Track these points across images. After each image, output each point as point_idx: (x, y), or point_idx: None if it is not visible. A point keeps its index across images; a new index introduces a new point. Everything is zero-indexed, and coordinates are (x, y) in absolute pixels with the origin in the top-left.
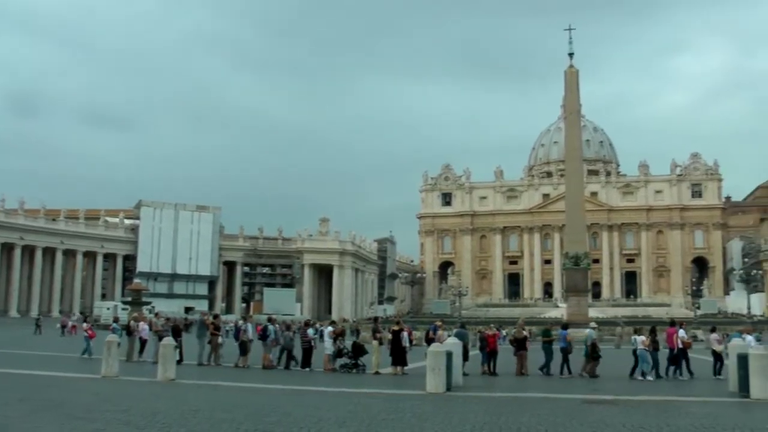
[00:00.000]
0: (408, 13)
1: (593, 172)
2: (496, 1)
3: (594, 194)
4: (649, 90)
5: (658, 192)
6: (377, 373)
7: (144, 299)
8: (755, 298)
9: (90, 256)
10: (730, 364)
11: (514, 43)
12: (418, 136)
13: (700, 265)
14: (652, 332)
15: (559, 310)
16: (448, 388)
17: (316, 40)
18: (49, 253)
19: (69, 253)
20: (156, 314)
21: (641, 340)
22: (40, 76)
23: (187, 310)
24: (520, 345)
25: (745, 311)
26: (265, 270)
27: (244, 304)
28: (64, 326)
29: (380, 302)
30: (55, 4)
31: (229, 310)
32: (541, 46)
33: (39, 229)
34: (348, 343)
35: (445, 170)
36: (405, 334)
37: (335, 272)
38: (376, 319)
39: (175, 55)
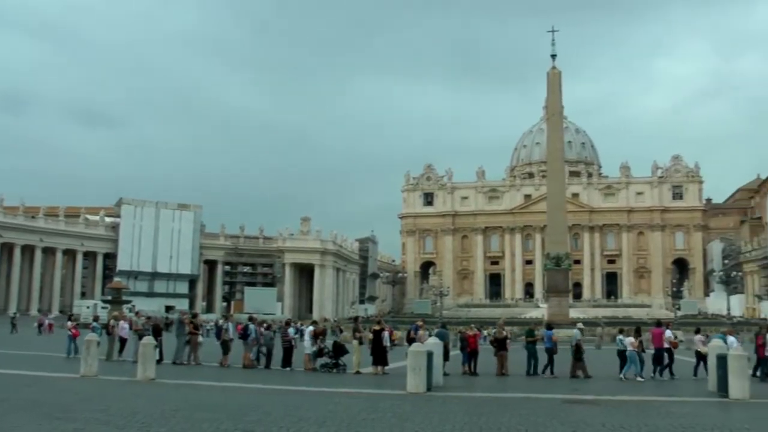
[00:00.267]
0: (393, 14)
1: (575, 174)
2: (480, 3)
3: (575, 195)
4: (631, 92)
5: (639, 194)
6: (358, 372)
7: (124, 298)
8: (735, 299)
9: (70, 254)
10: (710, 364)
11: (497, 45)
12: (401, 135)
13: (681, 266)
14: (638, 333)
15: (540, 311)
16: (429, 388)
17: (300, 39)
18: (27, 250)
19: (48, 251)
20: (136, 313)
21: (630, 341)
22: (25, 73)
23: (168, 309)
24: (500, 345)
25: (724, 312)
26: (246, 269)
27: (224, 303)
28: (40, 325)
29: (361, 302)
30: (43, 1)
31: (209, 309)
32: (524, 48)
33: (18, 226)
34: (329, 342)
35: (427, 170)
36: (386, 333)
37: (316, 271)
38: (356, 318)
39: (161, 53)
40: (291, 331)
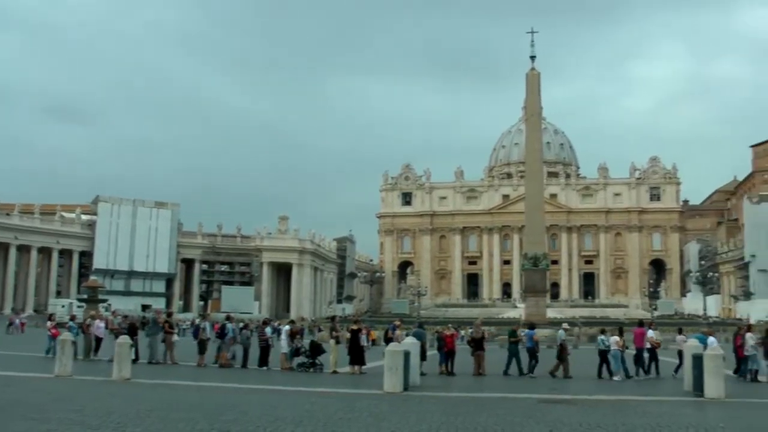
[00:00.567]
0: (373, 15)
1: (553, 174)
2: (460, 3)
3: (554, 196)
4: (609, 94)
5: (617, 195)
6: (335, 372)
7: (100, 297)
8: (711, 299)
9: (45, 252)
10: (685, 364)
11: (477, 45)
12: (380, 135)
13: (658, 267)
14: (621, 333)
15: (518, 311)
16: (406, 387)
17: (280, 38)
18: (2, 248)
19: (23, 249)
20: (113, 312)
21: (615, 340)
22: None
23: (144, 307)
24: (477, 345)
25: (701, 313)
26: (224, 268)
27: (201, 302)
28: (10, 323)
29: (339, 301)
30: None
31: (186, 308)
32: (504, 49)
33: None
34: (306, 342)
35: (405, 170)
36: (364, 333)
37: (294, 271)
38: (334, 318)
39: (138, 49)
40: (268, 330)
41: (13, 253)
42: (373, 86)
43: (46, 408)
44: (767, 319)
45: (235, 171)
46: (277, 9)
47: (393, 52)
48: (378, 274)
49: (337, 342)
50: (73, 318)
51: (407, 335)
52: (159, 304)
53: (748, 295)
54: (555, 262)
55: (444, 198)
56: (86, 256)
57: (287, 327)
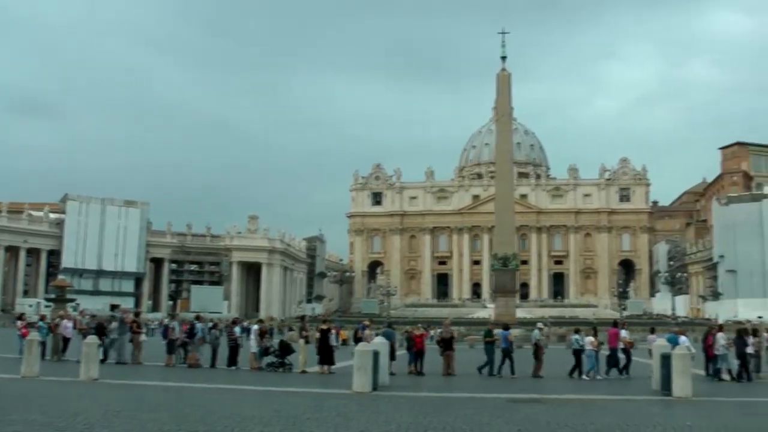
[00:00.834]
0: (344, 13)
1: (523, 175)
2: (431, 3)
3: (524, 196)
4: (580, 95)
5: (587, 195)
6: (304, 372)
7: (68, 296)
8: (680, 300)
9: (12, 251)
10: (654, 363)
11: (448, 45)
12: (351, 134)
13: (627, 267)
14: (595, 332)
15: (487, 311)
16: (375, 387)
17: (250, 36)
18: None
19: None
20: (81, 312)
21: (590, 340)
22: None
23: (113, 307)
24: (446, 345)
25: (669, 312)
26: (193, 267)
27: (171, 302)
28: None
29: (309, 301)
30: None
31: (155, 307)
32: (475, 49)
33: None
34: (275, 341)
35: (375, 170)
36: (333, 333)
37: (264, 270)
38: (303, 317)
39: (107, 46)
40: (237, 330)
41: None
42: (344, 86)
43: (10, 409)
44: (735, 319)
45: (205, 170)
46: (245, 7)
47: (364, 51)
48: (348, 273)
49: (307, 342)
50: (42, 318)
51: (376, 335)
52: (128, 303)
53: (716, 296)
54: (525, 263)
55: (414, 198)
56: (54, 255)
57: (256, 326)
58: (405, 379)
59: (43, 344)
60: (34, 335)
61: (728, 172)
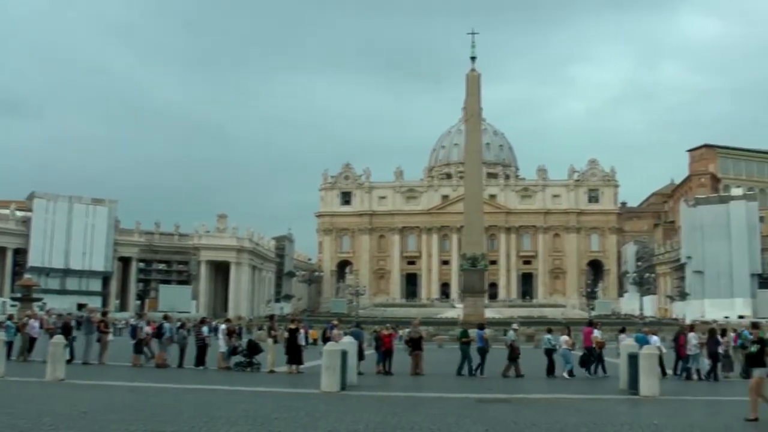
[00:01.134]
0: (313, 13)
1: (492, 175)
2: (401, 2)
3: (493, 197)
4: (550, 96)
5: (555, 196)
6: (272, 371)
7: (35, 295)
8: (648, 300)
9: None
10: (621, 363)
11: (418, 45)
12: (321, 134)
13: (596, 267)
14: (568, 332)
15: (456, 311)
16: (343, 387)
17: (222, 34)
18: None
19: None
20: (47, 311)
21: (565, 340)
22: None
23: (80, 306)
24: (415, 345)
25: (637, 313)
26: (161, 266)
27: (138, 301)
28: None
29: (277, 300)
30: None
31: (123, 307)
32: (445, 49)
33: None
34: (244, 341)
35: (345, 169)
36: (302, 332)
37: (232, 269)
38: (272, 317)
39: (76, 42)
40: (205, 329)
41: None
42: (314, 85)
43: None
44: (702, 319)
45: (174, 168)
46: (218, 5)
47: (334, 50)
48: (317, 273)
49: (275, 341)
50: (10, 317)
51: (345, 335)
52: (95, 302)
53: (683, 296)
54: (493, 263)
55: (383, 198)
56: (20, 253)
57: (224, 326)
58: (373, 378)
59: (8, 344)
60: (0, 335)
61: (696, 174)
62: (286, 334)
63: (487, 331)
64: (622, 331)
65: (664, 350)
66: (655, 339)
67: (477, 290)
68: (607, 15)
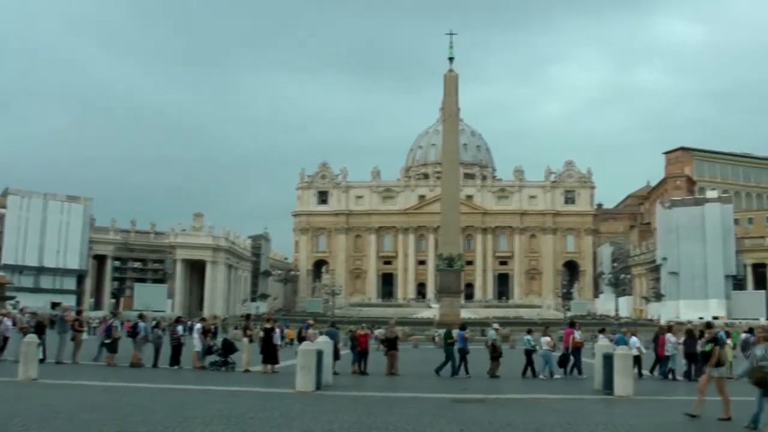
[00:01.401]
0: (293, 11)
1: (469, 176)
2: (379, 2)
3: (469, 197)
4: (527, 97)
5: (532, 197)
6: (247, 371)
7: (8, 293)
8: (623, 300)
9: None
10: (596, 363)
11: (396, 45)
12: (298, 133)
13: (571, 268)
14: (544, 333)
15: (432, 311)
16: (318, 386)
17: (200, 32)
18: None
19: None
20: (21, 310)
21: (546, 340)
22: None
23: (54, 305)
24: (391, 345)
25: (613, 313)
26: (137, 265)
27: (113, 300)
28: None
29: (253, 299)
30: None
31: (98, 305)
32: (423, 49)
33: None
34: (219, 340)
35: (322, 168)
36: (277, 332)
37: (208, 268)
38: (248, 316)
39: (49, 37)
40: (180, 328)
41: None
42: (292, 84)
43: None
44: (677, 319)
45: (150, 166)
46: (195, 2)
47: (312, 50)
48: (293, 272)
49: (250, 341)
50: None
51: (320, 334)
52: (69, 301)
53: (659, 297)
54: (470, 263)
55: (360, 197)
56: None
57: (199, 325)
58: (348, 378)
59: None
60: None
61: (672, 177)
62: (261, 334)
63: (491, 332)
64: (602, 331)
65: (644, 351)
66: (634, 340)
67: (453, 290)
68: (586, 17)
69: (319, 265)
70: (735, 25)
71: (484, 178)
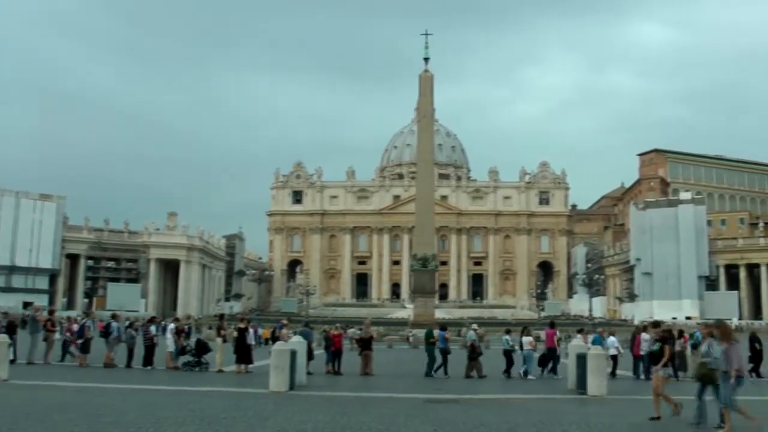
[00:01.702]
0: (267, 11)
1: (444, 176)
2: (355, 2)
3: (444, 198)
4: (502, 99)
5: (507, 198)
6: (221, 371)
7: None
8: (597, 301)
9: None
10: (569, 363)
11: (371, 45)
12: (273, 132)
13: (546, 269)
14: (526, 333)
15: (407, 311)
16: (292, 386)
17: (174, 30)
18: None
19: None
20: None
21: (528, 341)
22: None
23: (26, 305)
24: (365, 345)
25: (586, 313)
26: (110, 264)
27: (86, 300)
28: None
29: (227, 299)
30: None
31: (70, 305)
32: (398, 49)
33: None
34: (192, 340)
35: (296, 168)
36: (251, 331)
37: (182, 268)
38: (221, 316)
39: (21, 34)
40: (153, 328)
41: None
42: (267, 84)
43: None
44: (651, 320)
45: (124, 165)
46: (172, 3)
47: (288, 50)
48: (267, 272)
49: (224, 340)
50: None
51: (294, 334)
52: (42, 301)
53: (632, 297)
54: (444, 263)
55: (335, 197)
56: None
57: (172, 325)
58: (322, 378)
59: None
60: None
61: (646, 178)
62: (235, 334)
63: (470, 332)
64: (580, 331)
65: (621, 351)
66: (612, 340)
67: (427, 290)
68: (560, 19)
69: (293, 265)
70: (706, 28)
71: (459, 178)
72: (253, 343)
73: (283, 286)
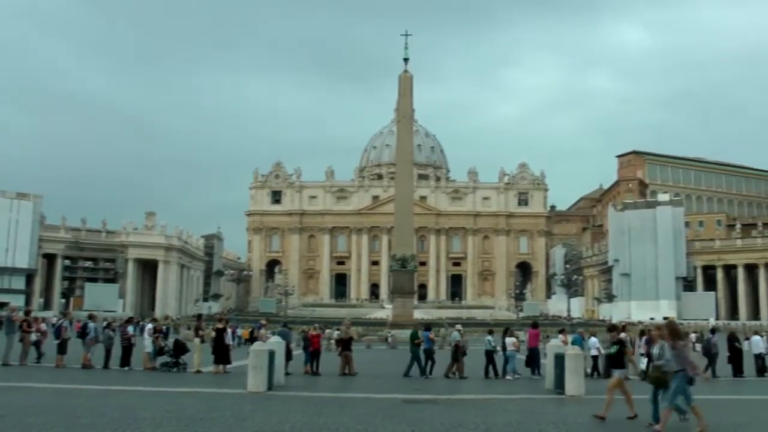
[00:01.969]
0: (248, 10)
1: (423, 177)
2: (334, 2)
3: (423, 198)
4: (482, 100)
5: (485, 199)
6: (199, 371)
7: None
8: (575, 301)
9: None
10: (547, 363)
11: (352, 45)
12: (251, 132)
13: (524, 269)
14: (509, 334)
15: (385, 311)
16: (270, 387)
17: (153, 29)
18: None
19: None
20: None
21: (512, 341)
22: None
23: (2, 305)
24: (345, 345)
25: (565, 314)
26: (87, 264)
27: (63, 300)
28: None
29: (206, 299)
30: None
31: (47, 305)
32: (377, 50)
33: None
34: (170, 340)
35: (275, 168)
36: (230, 332)
37: (160, 268)
38: (199, 316)
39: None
40: (130, 329)
41: None
42: (247, 83)
43: None
44: (628, 320)
45: (102, 163)
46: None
47: (266, 48)
48: (246, 272)
49: (202, 341)
50: None
51: (272, 334)
52: (18, 301)
53: (610, 298)
54: (423, 264)
55: (314, 197)
56: None
57: (150, 325)
58: (301, 379)
59: None
60: None
61: (624, 180)
62: (213, 334)
63: (455, 333)
64: (561, 332)
65: (602, 351)
66: (593, 340)
67: (406, 291)
68: (539, 21)
69: (272, 265)
70: (687, 31)
71: (438, 179)
72: (231, 343)
73: (261, 286)
